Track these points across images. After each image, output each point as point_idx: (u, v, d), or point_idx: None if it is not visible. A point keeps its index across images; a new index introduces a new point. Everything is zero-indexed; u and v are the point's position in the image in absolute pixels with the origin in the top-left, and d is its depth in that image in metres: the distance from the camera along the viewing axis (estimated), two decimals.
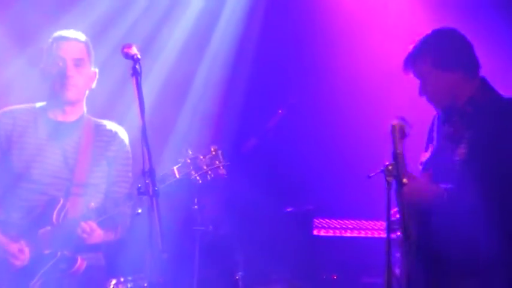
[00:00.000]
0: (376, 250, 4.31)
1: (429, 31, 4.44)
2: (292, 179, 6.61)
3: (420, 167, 4.42)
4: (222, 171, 4.59)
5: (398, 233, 3.99)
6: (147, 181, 3.79)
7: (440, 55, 4.33)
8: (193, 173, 4.55)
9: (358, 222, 6.35)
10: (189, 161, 4.56)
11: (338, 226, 6.37)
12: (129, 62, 3.94)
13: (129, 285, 4.71)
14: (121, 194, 4.67)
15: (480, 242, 4.12)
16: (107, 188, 4.73)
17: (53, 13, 5.96)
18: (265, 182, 6.45)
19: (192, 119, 6.55)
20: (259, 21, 6.75)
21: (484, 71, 4.41)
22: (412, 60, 4.39)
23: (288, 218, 6.34)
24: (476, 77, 4.36)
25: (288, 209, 6.37)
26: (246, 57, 6.72)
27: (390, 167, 3.88)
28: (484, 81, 4.39)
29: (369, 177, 4.07)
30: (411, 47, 4.41)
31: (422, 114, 4.51)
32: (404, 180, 3.89)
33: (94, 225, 4.50)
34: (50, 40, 4.76)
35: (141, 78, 3.89)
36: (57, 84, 4.67)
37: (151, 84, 6.12)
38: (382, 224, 5.79)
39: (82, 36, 4.77)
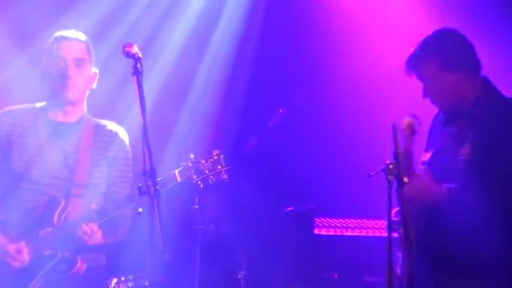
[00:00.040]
0: (377, 249, 4.30)
1: (429, 32, 4.44)
2: (293, 178, 6.61)
3: (422, 167, 4.42)
4: (224, 176, 4.59)
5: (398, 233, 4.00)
6: (148, 183, 3.79)
7: (444, 56, 4.32)
8: (194, 177, 4.56)
9: (359, 221, 6.35)
10: (190, 164, 4.56)
11: (339, 225, 6.37)
12: (129, 62, 3.94)
13: (130, 285, 4.70)
14: (121, 194, 4.67)
15: (482, 241, 4.12)
16: (107, 189, 4.72)
17: (53, 13, 5.97)
18: (266, 181, 6.45)
19: (192, 119, 6.55)
20: (260, 22, 6.76)
21: (484, 71, 4.41)
22: (415, 63, 4.37)
23: (288, 217, 6.34)
24: (479, 77, 4.36)
25: (289, 208, 6.37)
26: (246, 57, 6.72)
27: (391, 166, 3.89)
28: (486, 81, 4.39)
29: (370, 176, 4.08)
30: (412, 49, 4.40)
31: (422, 114, 4.51)
32: (405, 179, 3.90)
33: (95, 227, 4.50)
34: (51, 40, 4.75)
35: (142, 77, 3.89)
36: (57, 84, 4.66)
37: (151, 84, 6.11)
38: (383, 223, 5.78)
39: (82, 36, 4.76)
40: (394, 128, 3.92)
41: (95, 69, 4.77)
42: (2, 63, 6.05)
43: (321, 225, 6.36)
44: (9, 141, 4.67)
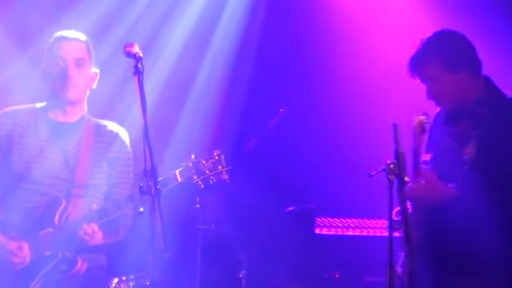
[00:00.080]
0: (378, 249, 4.29)
1: (429, 32, 4.44)
2: (294, 178, 6.61)
3: (424, 167, 4.41)
4: (225, 176, 4.59)
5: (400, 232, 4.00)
6: (149, 183, 3.79)
7: (444, 57, 4.33)
8: (195, 177, 4.56)
9: (360, 220, 6.35)
10: (191, 165, 4.56)
11: (340, 225, 6.37)
12: (130, 62, 3.94)
13: (131, 284, 4.69)
14: (122, 195, 4.67)
15: (483, 240, 4.13)
16: (108, 189, 4.72)
17: (53, 13, 5.96)
18: (267, 181, 6.45)
19: (193, 118, 6.55)
20: (261, 21, 6.76)
21: (485, 71, 4.42)
22: (417, 65, 4.37)
23: (289, 217, 6.34)
24: (480, 77, 4.37)
25: (290, 208, 6.37)
26: (247, 56, 6.72)
27: (392, 166, 3.89)
28: (488, 81, 4.40)
29: (371, 175, 4.08)
30: (414, 51, 4.40)
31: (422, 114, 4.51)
32: (406, 178, 3.90)
33: (96, 227, 4.50)
34: (51, 40, 4.76)
35: (143, 77, 3.89)
36: (58, 85, 4.66)
37: (152, 84, 6.10)
38: (384, 223, 5.78)
39: (83, 37, 4.76)
40: (395, 127, 3.92)
41: (95, 69, 4.77)
42: (2, 63, 6.05)
43: (321, 224, 6.36)
44: (9, 142, 4.67)
